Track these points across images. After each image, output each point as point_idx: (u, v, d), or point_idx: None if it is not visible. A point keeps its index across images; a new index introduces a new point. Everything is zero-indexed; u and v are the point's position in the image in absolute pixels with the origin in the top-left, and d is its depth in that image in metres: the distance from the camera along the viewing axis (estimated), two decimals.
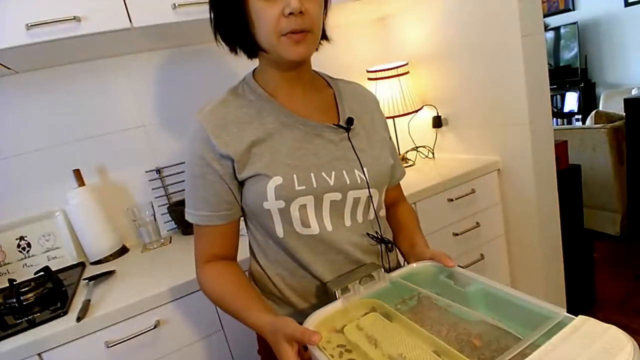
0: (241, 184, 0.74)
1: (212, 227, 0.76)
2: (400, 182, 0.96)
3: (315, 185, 0.71)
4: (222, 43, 0.75)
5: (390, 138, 0.89)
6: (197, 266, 0.79)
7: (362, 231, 0.78)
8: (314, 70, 0.83)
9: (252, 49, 0.73)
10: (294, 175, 0.70)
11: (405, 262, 0.84)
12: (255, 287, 0.79)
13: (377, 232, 0.80)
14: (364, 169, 0.76)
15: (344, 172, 0.74)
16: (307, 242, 0.74)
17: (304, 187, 0.70)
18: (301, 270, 0.76)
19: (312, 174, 0.71)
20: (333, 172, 0.73)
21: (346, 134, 0.77)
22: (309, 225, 0.73)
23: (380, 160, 0.80)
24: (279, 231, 0.74)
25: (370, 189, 0.76)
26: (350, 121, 0.77)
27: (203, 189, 0.74)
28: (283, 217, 0.72)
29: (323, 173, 0.72)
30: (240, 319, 0.71)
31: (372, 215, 0.79)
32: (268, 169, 0.70)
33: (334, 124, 0.76)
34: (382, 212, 0.84)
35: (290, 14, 0.64)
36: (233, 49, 0.76)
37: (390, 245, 0.82)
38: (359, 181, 0.75)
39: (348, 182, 0.74)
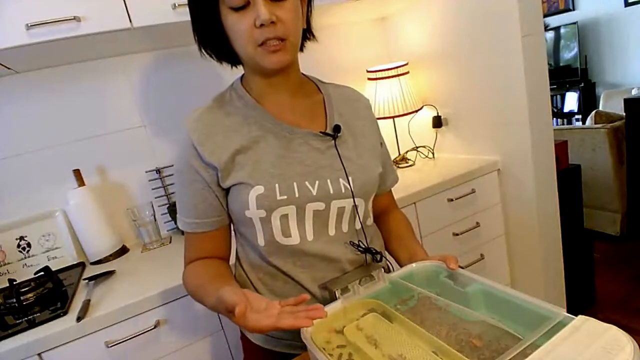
0: (226, 191, 0.74)
1: (201, 234, 0.76)
2: (400, 183, 0.95)
3: (297, 195, 0.71)
4: (207, 55, 0.76)
5: (382, 144, 0.87)
6: (184, 268, 0.79)
7: (347, 240, 0.77)
8: (304, 75, 0.82)
9: (235, 59, 0.75)
10: (276, 185, 0.70)
11: None
12: (231, 276, 0.76)
13: (359, 241, 0.78)
14: (349, 177, 0.74)
15: (328, 181, 0.73)
16: (287, 251, 0.74)
17: (285, 196, 0.70)
18: (282, 275, 0.76)
19: (295, 184, 0.71)
20: (317, 182, 0.72)
21: (333, 141, 0.76)
22: (290, 235, 0.73)
23: (367, 169, 0.78)
24: (260, 240, 0.74)
25: (355, 199, 0.75)
26: (337, 128, 0.76)
27: (191, 196, 0.74)
28: (264, 226, 0.72)
29: (306, 182, 0.72)
30: (207, 305, 0.68)
31: (358, 225, 0.79)
32: (251, 178, 0.70)
33: (320, 132, 0.75)
34: (369, 221, 0.83)
35: (262, 25, 0.64)
36: (218, 60, 0.77)
37: (378, 255, 0.80)
38: (343, 190, 0.74)
39: (332, 191, 0.73)
